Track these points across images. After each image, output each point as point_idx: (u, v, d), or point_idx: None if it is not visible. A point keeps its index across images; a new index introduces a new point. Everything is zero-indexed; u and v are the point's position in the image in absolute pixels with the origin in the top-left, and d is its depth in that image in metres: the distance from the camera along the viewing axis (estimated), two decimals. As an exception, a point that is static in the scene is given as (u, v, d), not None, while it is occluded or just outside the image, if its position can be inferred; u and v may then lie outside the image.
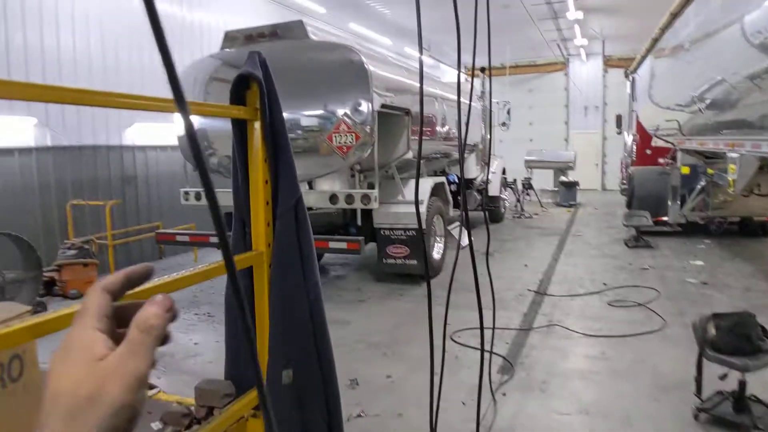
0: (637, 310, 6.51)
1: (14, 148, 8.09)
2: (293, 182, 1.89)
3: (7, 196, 8.00)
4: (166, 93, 0.62)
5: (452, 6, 2.12)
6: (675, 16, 8.69)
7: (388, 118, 7.63)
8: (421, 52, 2.29)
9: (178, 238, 8.22)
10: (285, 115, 6.36)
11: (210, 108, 1.89)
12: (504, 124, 14.95)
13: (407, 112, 7.74)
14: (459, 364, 4.97)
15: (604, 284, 7.70)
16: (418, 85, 7.97)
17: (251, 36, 7.16)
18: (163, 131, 9.93)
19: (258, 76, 1.76)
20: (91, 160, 9.36)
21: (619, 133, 17.73)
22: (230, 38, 7.37)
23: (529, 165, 18.73)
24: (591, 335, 5.71)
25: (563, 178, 17.98)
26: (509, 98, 16.45)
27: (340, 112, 6.71)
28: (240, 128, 1.85)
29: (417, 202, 2.26)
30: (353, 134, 6.65)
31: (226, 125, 6.96)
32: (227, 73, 7.28)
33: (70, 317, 0.99)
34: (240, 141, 1.87)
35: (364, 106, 6.60)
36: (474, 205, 12.75)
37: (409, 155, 7.97)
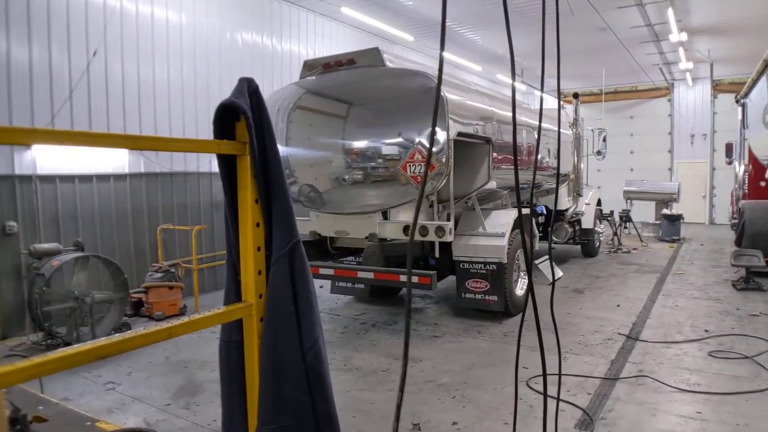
0: (744, 364, 5.70)
1: (110, 174, 8.58)
2: (290, 225, 1.64)
3: (104, 219, 8.49)
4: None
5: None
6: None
7: (468, 146, 7.33)
8: (513, 78, 2.04)
9: None
10: (363, 143, 6.19)
11: (194, 144, 1.71)
12: (599, 152, 14.14)
13: (488, 140, 7.41)
14: (533, 414, 4.58)
15: (706, 331, 6.87)
16: (501, 112, 7.62)
17: (329, 64, 7.15)
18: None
19: (241, 106, 1.53)
20: (181, 186, 9.77)
21: (730, 163, 16.28)
22: (309, 66, 7.41)
23: (629, 196, 17.53)
24: (686, 390, 5.03)
25: (666, 211, 16.65)
26: (608, 125, 15.62)
27: (416, 140, 6.50)
28: (227, 165, 1.63)
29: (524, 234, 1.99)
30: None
31: (308, 153, 6.85)
32: (308, 100, 7.33)
33: None
34: (228, 179, 1.64)
35: (440, 135, 6.35)
36: (565, 238, 12.09)
37: (491, 185, 7.60)
